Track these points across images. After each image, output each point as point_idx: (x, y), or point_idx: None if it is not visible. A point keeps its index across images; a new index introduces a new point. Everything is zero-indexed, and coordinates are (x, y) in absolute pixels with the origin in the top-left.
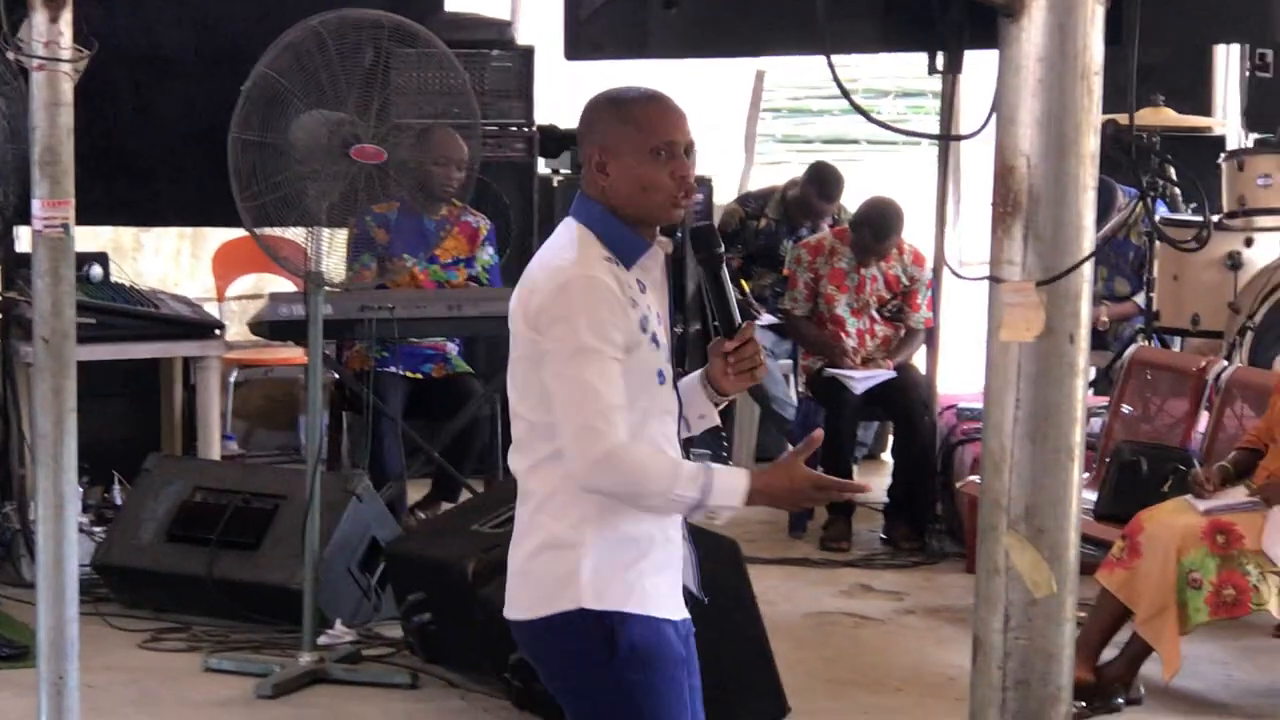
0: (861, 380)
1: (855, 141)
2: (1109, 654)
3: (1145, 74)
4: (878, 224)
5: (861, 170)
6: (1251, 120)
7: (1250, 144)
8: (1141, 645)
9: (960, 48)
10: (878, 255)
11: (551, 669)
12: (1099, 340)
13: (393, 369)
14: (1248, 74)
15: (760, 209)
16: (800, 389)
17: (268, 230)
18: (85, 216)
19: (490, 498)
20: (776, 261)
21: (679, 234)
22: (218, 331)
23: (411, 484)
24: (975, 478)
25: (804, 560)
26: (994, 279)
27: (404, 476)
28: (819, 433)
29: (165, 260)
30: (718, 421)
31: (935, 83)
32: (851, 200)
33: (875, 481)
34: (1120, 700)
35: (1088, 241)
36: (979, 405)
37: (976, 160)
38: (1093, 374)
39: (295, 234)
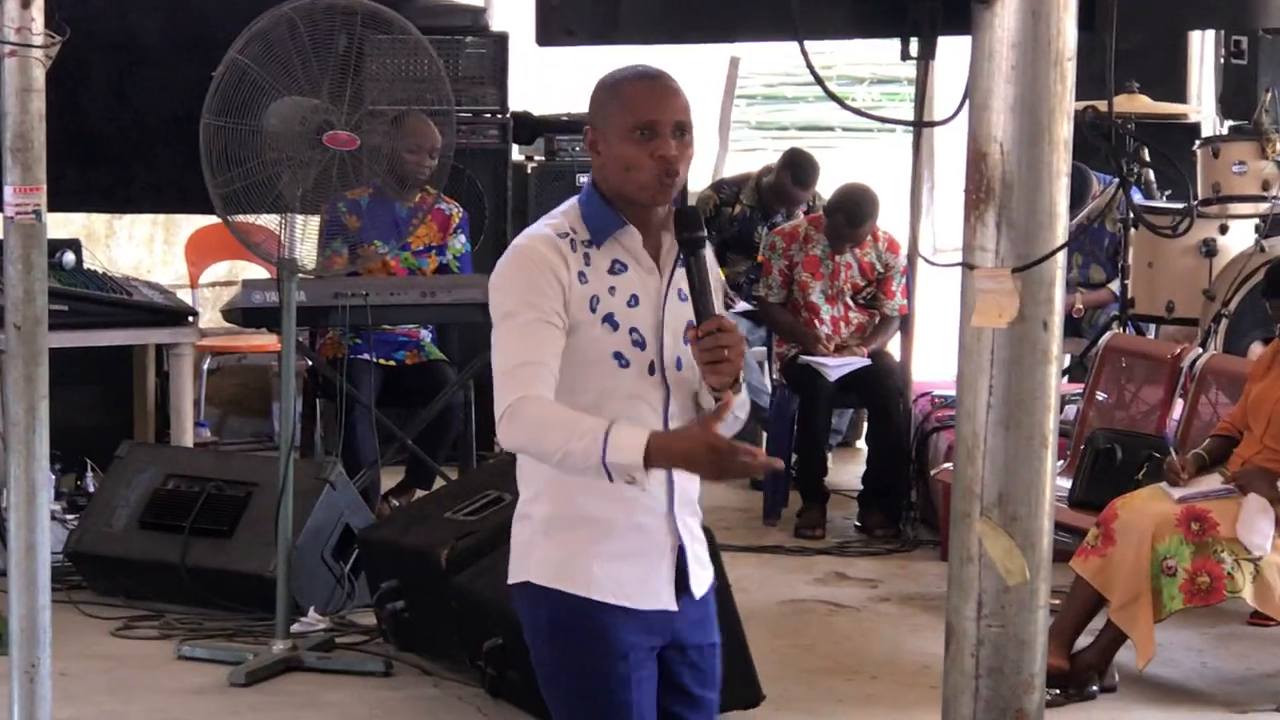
0: (836, 367)
1: (830, 128)
2: (1083, 641)
3: (1120, 60)
4: (853, 211)
5: (836, 157)
6: (1226, 107)
7: (1225, 131)
8: (1116, 633)
9: (933, 34)
10: (853, 242)
11: (523, 635)
12: (1074, 327)
13: (366, 356)
14: (1222, 61)
15: (735, 195)
16: (774, 376)
17: (240, 217)
18: (57, 203)
19: (464, 485)
20: (751, 248)
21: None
22: (191, 318)
23: (385, 471)
24: (949, 465)
25: (778, 548)
26: (967, 266)
27: (377, 464)
28: (730, 398)
29: (138, 247)
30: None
31: (910, 69)
32: (826, 187)
33: (849, 469)
34: (1095, 688)
35: (1061, 228)
36: (953, 392)
37: (951, 147)
38: (1067, 361)
39: (268, 220)
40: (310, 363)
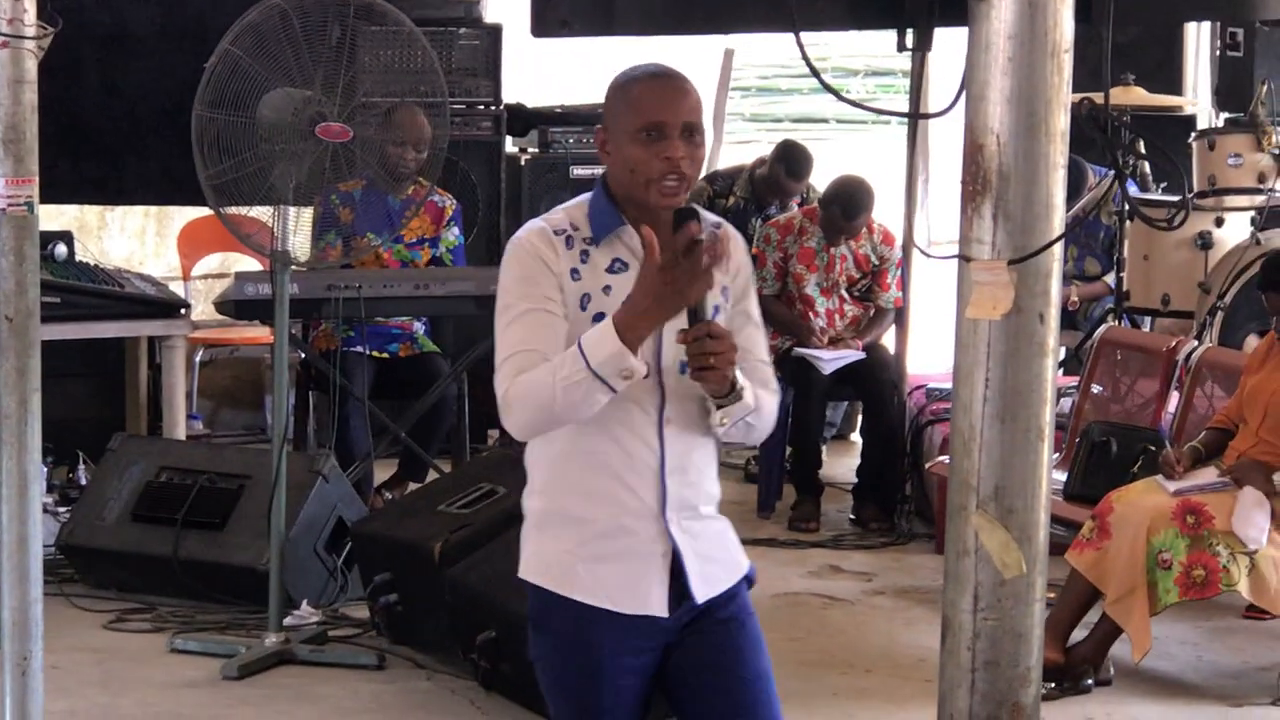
0: (830, 360)
1: (824, 120)
2: (1079, 635)
3: (1116, 53)
4: (847, 203)
5: (830, 149)
6: (1222, 99)
7: (1221, 123)
8: (1111, 626)
9: (929, 25)
10: (847, 234)
11: None
12: (1069, 320)
13: (359, 348)
14: (1218, 53)
15: (729, 187)
16: None
17: (233, 209)
18: (50, 195)
19: (458, 478)
20: (745, 240)
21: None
22: (183, 311)
23: (378, 464)
24: (945, 458)
25: (772, 541)
26: (964, 258)
27: (370, 456)
28: (647, 229)
29: (130, 239)
30: (726, 425)
31: (905, 61)
32: (820, 179)
33: (844, 462)
34: (1090, 681)
35: (1058, 220)
36: (948, 385)
37: (946, 139)
38: (1062, 354)
39: (261, 213)
40: (303, 355)
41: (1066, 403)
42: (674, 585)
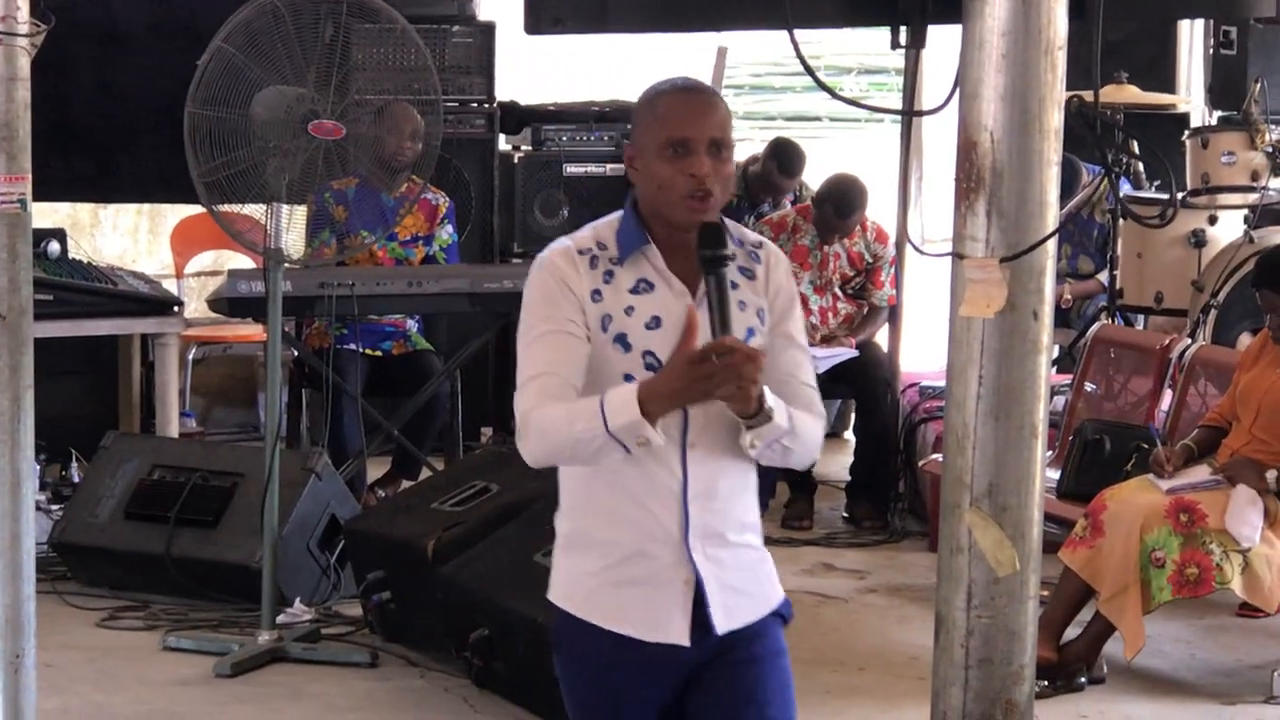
0: (824, 358)
1: (817, 118)
2: (1071, 633)
3: (1109, 51)
4: (841, 201)
5: (824, 147)
6: (1215, 98)
7: (1214, 121)
8: (1104, 624)
9: (923, 22)
10: (841, 232)
11: None
12: (1062, 318)
13: (352, 346)
14: (1211, 51)
15: None
16: None
17: (226, 206)
18: (43, 192)
19: (451, 475)
20: None
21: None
22: (176, 308)
23: (371, 461)
24: (938, 456)
25: (765, 539)
26: (957, 255)
27: (363, 454)
28: (692, 311)
29: (123, 237)
30: (759, 447)
31: (898, 59)
32: (813, 177)
33: (837, 460)
34: (1083, 679)
35: (1051, 217)
36: (942, 383)
37: (939, 137)
38: (1056, 352)
39: (254, 210)
40: (296, 353)
41: (1060, 401)
42: (697, 614)
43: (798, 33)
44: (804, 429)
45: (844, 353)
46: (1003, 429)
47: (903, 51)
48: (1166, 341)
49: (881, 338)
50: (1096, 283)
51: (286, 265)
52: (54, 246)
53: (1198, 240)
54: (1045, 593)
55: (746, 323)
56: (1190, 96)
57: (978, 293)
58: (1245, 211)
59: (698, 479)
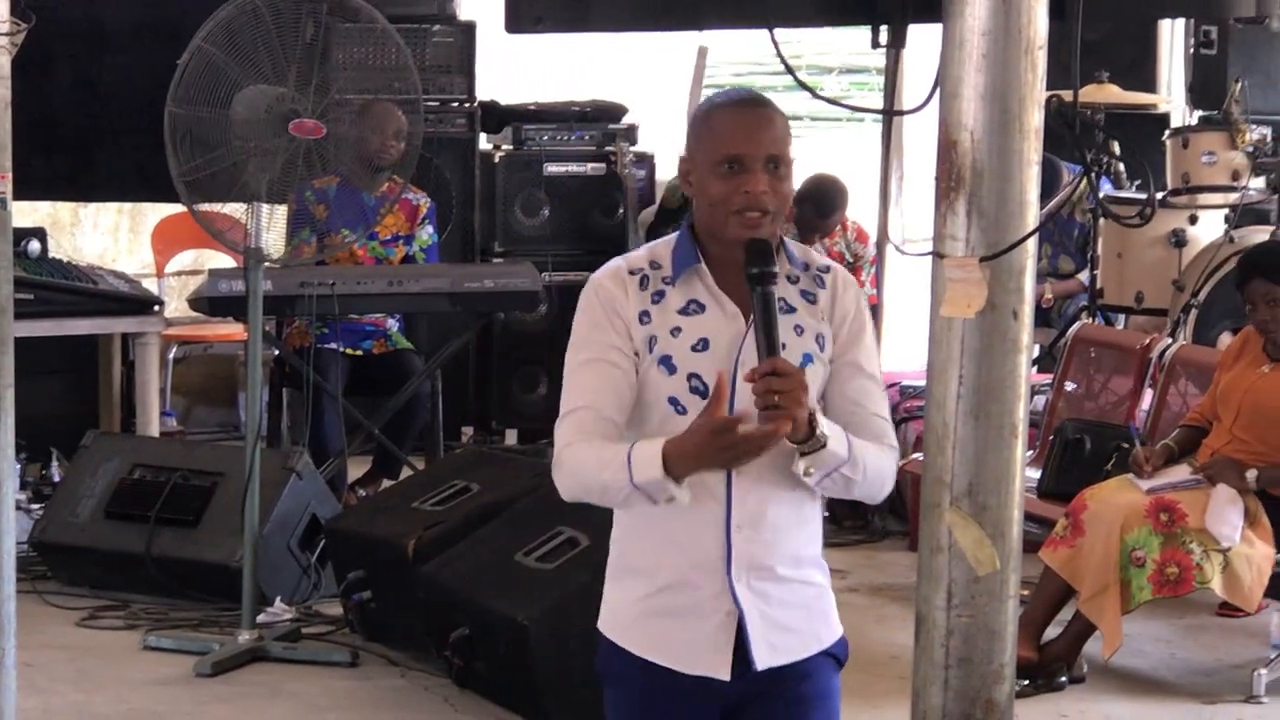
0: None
1: (798, 118)
2: (1052, 632)
3: (1089, 50)
4: (821, 200)
5: (804, 147)
6: (1196, 97)
7: (1194, 121)
8: (1084, 623)
9: (903, 21)
10: (821, 232)
11: None
12: (1043, 318)
13: (333, 345)
14: (1192, 51)
15: None
16: None
17: (206, 206)
18: (23, 191)
19: (431, 475)
20: None
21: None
22: (157, 307)
23: (352, 461)
24: (918, 455)
25: None
26: (937, 255)
27: (344, 453)
28: (721, 376)
29: (104, 236)
30: (815, 476)
31: (879, 59)
32: (794, 177)
33: None
34: (1063, 679)
35: (1031, 217)
36: (922, 383)
37: (920, 137)
38: (1036, 351)
39: (234, 209)
40: (277, 352)
41: (1040, 400)
42: (739, 648)
43: (779, 32)
44: (870, 460)
45: None
46: (983, 428)
47: (883, 51)
48: (1147, 341)
49: None
50: (1077, 282)
51: (267, 264)
52: (34, 245)
53: (1178, 240)
54: (1025, 592)
55: (803, 348)
56: (1171, 96)
57: (958, 292)
58: (1226, 211)
59: (743, 508)
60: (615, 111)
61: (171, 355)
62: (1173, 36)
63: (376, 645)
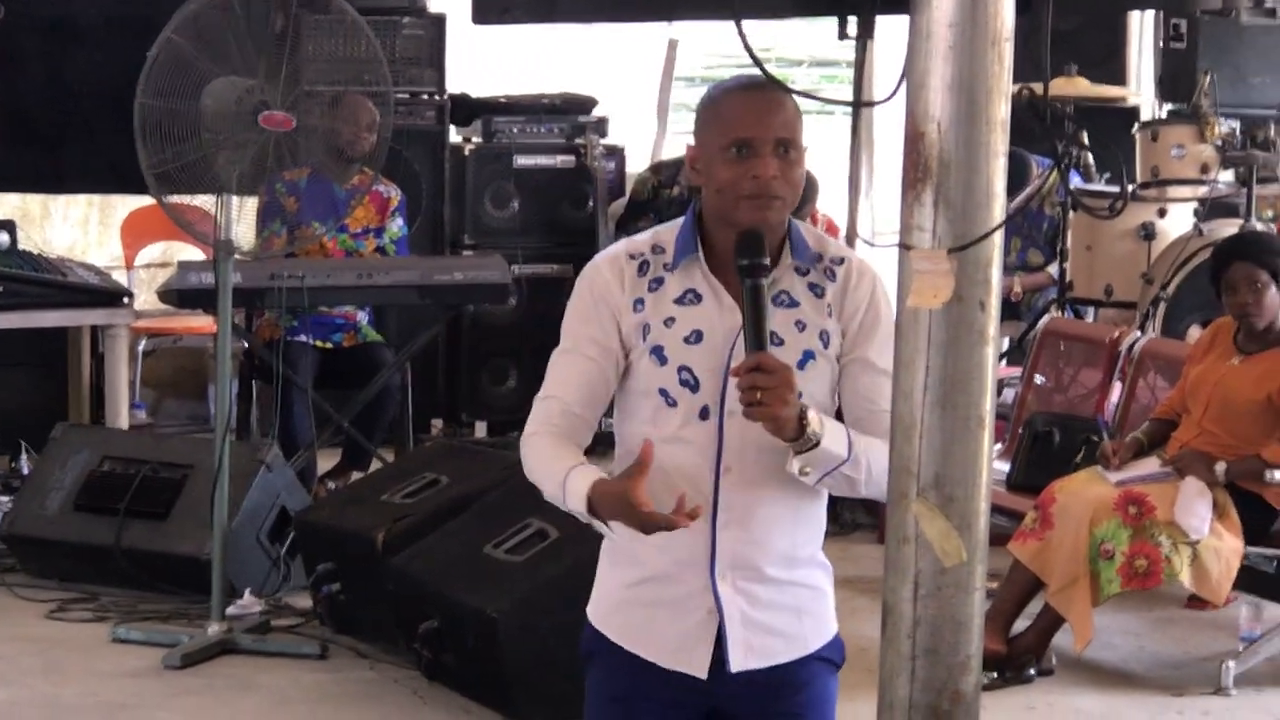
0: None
1: None
2: (1021, 625)
3: (1059, 43)
4: None
5: None
6: (1165, 91)
7: (1164, 115)
8: (1053, 616)
9: (871, 13)
10: None
11: None
12: (1012, 311)
13: (303, 338)
14: (1161, 45)
15: (673, 177)
16: None
17: (176, 198)
18: None
19: (401, 467)
20: None
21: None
22: (126, 300)
23: (321, 453)
24: None
25: None
26: (904, 246)
27: (314, 446)
28: (649, 447)
29: (73, 228)
30: (814, 475)
31: (849, 52)
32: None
33: None
34: (1032, 671)
35: (999, 208)
36: None
37: (889, 130)
38: (1005, 345)
39: (204, 202)
40: (246, 344)
41: (1010, 393)
42: (720, 646)
43: (747, 24)
44: (877, 459)
45: None
46: (949, 419)
47: (853, 45)
48: (1116, 334)
49: None
50: (1046, 275)
51: (236, 257)
52: (3, 238)
53: (1147, 233)
54: (993, 585)
55: (804, 345)
56: (1140, 90)
57: (925, 283)
58: (1195, 204)
59: (730, 506)
60: (585, 104)
61: (141, 348)
62: (1142, 30)
63: (346, 638)
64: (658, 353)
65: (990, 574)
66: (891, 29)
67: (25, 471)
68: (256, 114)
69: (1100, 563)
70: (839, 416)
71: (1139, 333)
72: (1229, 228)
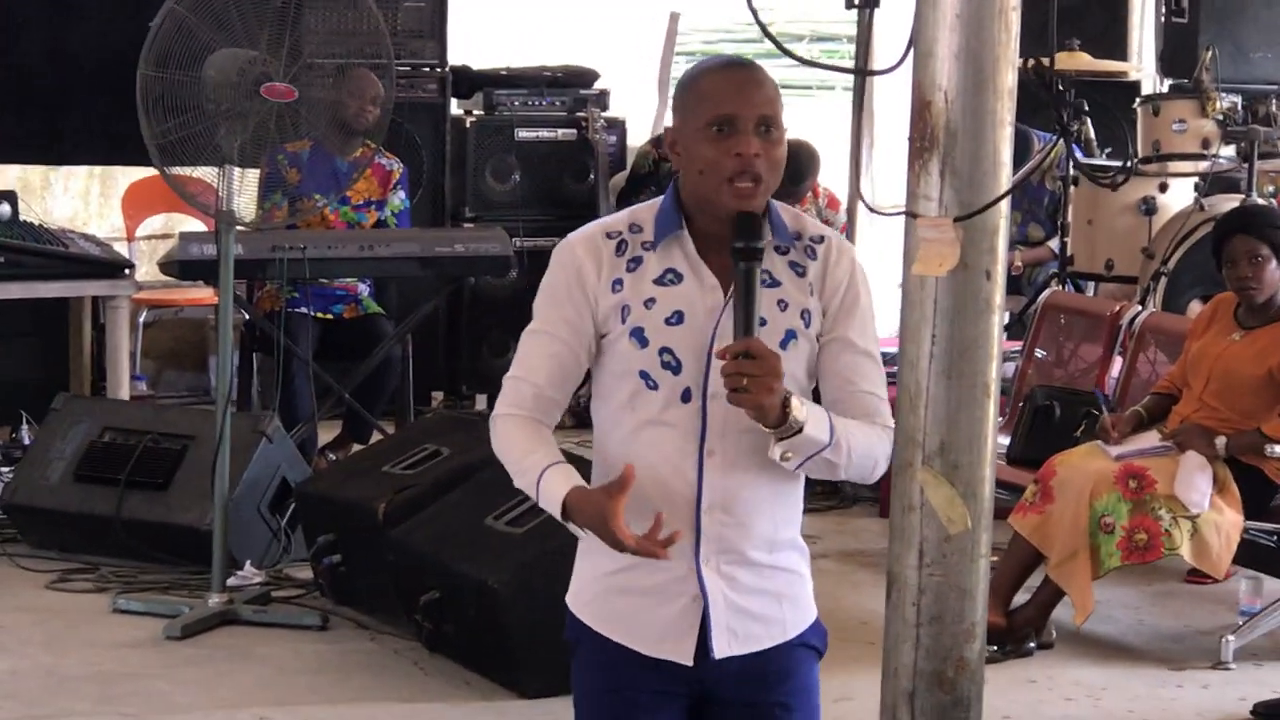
0: None
1: None
2: (1021, 598)
3: (1062, 18)
4: (793, 167)
5: None
6: (1166, 66)
7: (1165, 90)
8: (1053, 589)
9: None
10: (793, 198)
11: None
12: (1013, 285)
13: (303, 309)
14: (1163, 19)
15: None
16: None
17: (178, 169)
18: None
19: (401, 439)
20: None
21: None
22: (127, 271)
23: (322, 425)
24: None
25: None
26: (911, 214)
27: (314, 417)
28: (630, 470)
29: (74, 199)
30: (795, 460)
31: (850, 27)
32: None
33: None
34: (1032, 644)
35: (1005, 177)
36: (890, 349)
37: (891, 103)
38: (1007, 319)
39: (206, 173)
40: (247, 316)
41: (1010, 367)
42: (704, 633)
43: None
44: (858, 442)
45: None
46: (955, 388)
47: (854, 20)
48: (1116, 308)
49: None
50: (1047, 250)
51: (238, 228)
52: (4, 209)
53: (1148, 208)
54: (994, 558)
55: (786, 324)
56: (1142, 65)
57: (930, 252)
58: (1195, 179)
59: (714, 490)
60: (586, 77)
61: (142, 319)
62: (1144, 5)
63: (346, 609)
64: (638, 335)
65: (991, 547)
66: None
67: (26, 442)
68: (258, 85)
69: (1100, 536)
70: (816, 395)
71: (1140, 307)
72: (1230, 202)
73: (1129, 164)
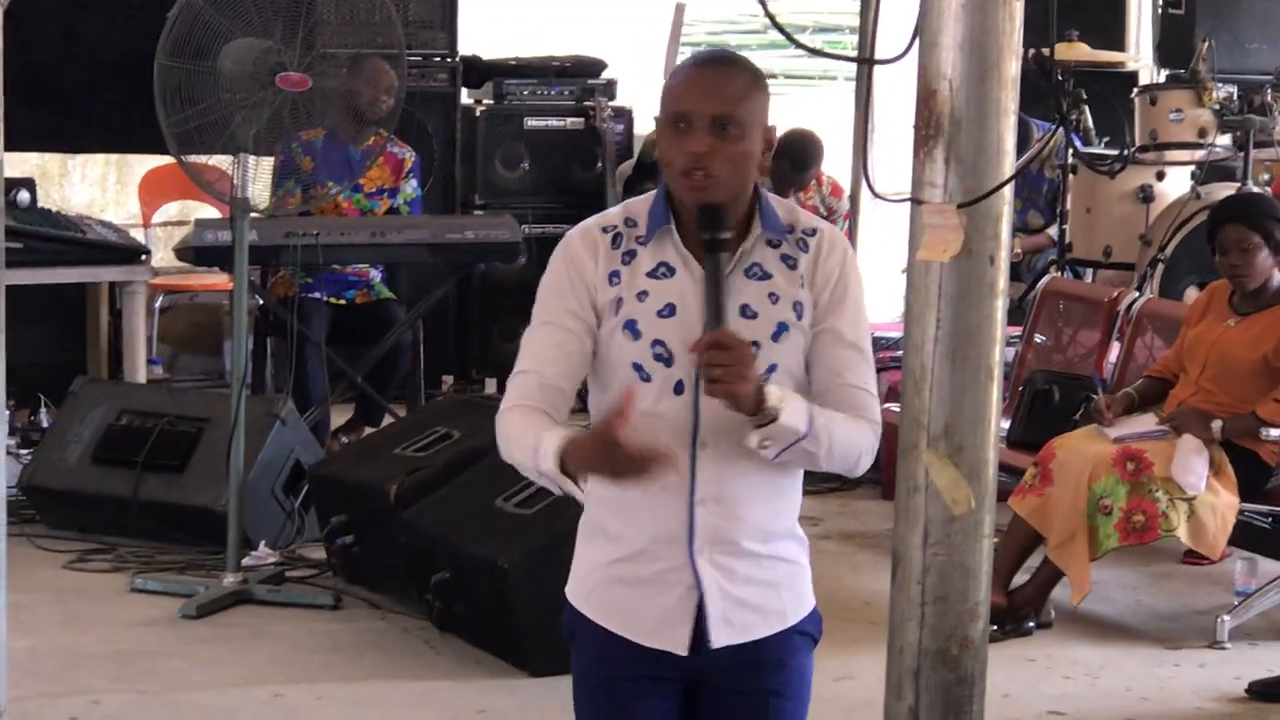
0: None
1: (773, 76)
2: (1020, 579)
3: (1061, 9)
4: (797, 155)
5: (778, 105)
6: (1164, 56)
7: (1162, 79)
8: (1052, 570)
9: None
10: (797, 186)
11: None
12: (1013, 271)
13: (317, 295)
14: (1160, 11)
15: None
16: None
17: (194, 157)
18: (12, 142)
19: (413, 422)
20: None
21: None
22: (144, 257)
23: (335, 408)
24: (891, 405)
25: None
26: (915, 201)
27: (327, 401)
28: (630, 391)
29: (91, 186)
30: (772, 450)
31: (852, 18)
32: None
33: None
34: (1031, 624)
35: (1008, 164)
36: (895, 334)
37: (894, 92)
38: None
39: (221, 161)
40: (261, 301)
41: (1010, 352)
42: (699, 623)
43: None
44: (839, 435)
45: None
46: (959, 371)
47: (855, 11)
48: (1114, 294)
49: None
50: (1046, 237)
51: (252, 215)
52: (23, 196)
53: (1145, 196)
54: (995, 540)
55: (778, 317)
56: (1139, 55)
57: (935, 237)
58: (1192, 168)
59: (707, 481)
60: (594, 67)
61: (158, 304)
62: None
63: (358, 588)
64: (631, 327)
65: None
66: None
67: (45, 425)
68: (273, 75)
69: (1098, 518)
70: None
71: (1137, 293)
72: (1225, 190)
73: (1127, 152)
